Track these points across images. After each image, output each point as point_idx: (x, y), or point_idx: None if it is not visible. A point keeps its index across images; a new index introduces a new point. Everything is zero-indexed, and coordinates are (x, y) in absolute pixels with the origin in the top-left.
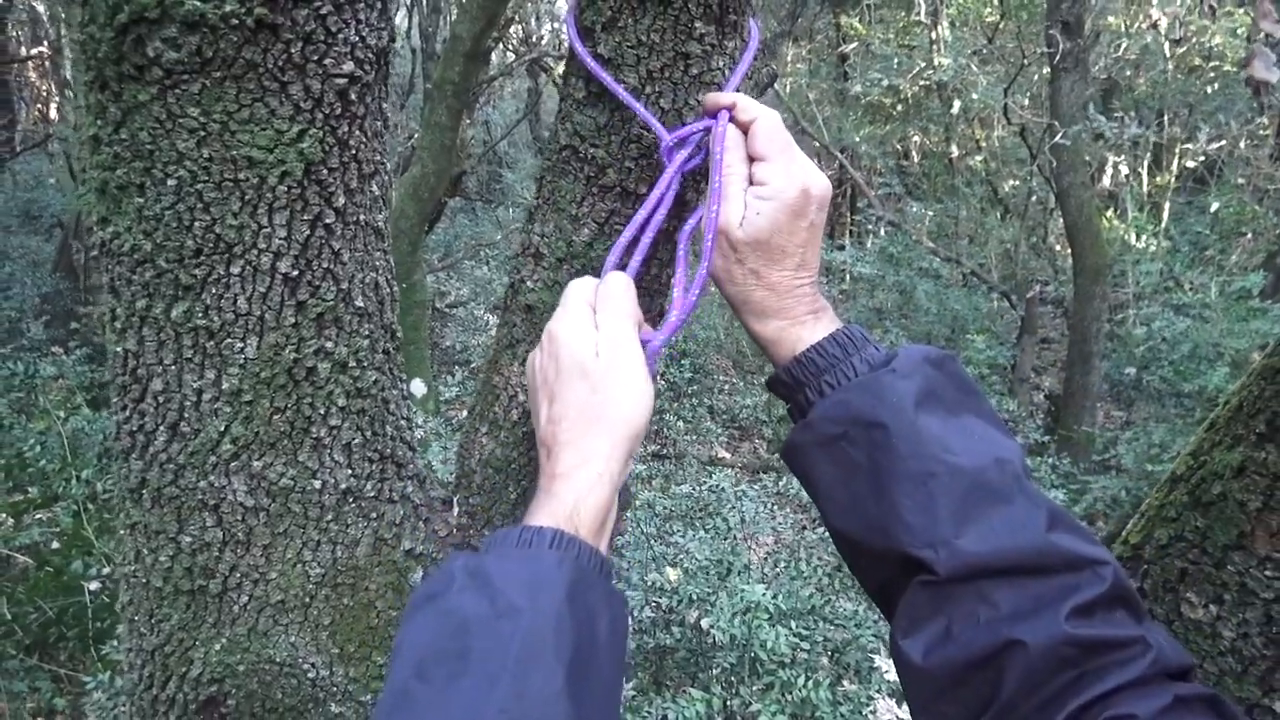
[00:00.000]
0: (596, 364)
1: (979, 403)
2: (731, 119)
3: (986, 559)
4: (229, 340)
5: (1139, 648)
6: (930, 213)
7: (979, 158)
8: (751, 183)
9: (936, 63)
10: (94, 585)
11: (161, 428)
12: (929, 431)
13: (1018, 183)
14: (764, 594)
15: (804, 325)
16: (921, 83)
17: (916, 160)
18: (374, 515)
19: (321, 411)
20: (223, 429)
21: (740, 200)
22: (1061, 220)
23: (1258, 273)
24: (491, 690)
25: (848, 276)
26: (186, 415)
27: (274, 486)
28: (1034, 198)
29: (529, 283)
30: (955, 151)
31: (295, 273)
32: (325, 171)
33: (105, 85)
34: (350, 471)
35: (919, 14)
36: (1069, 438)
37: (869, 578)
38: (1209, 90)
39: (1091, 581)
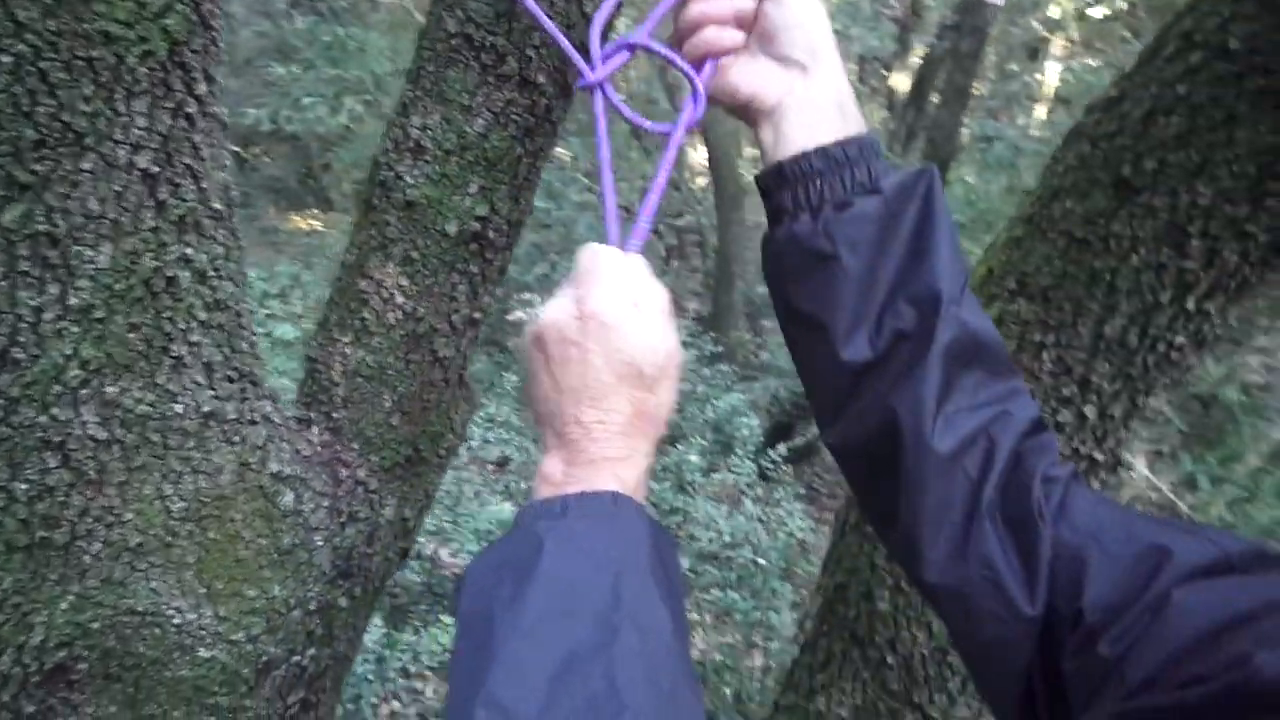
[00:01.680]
0: (652, 364)
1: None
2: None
3: (977, 333)
4: (77, 248)
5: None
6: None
7: (621, 97)
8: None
9: None
10: None
11: None
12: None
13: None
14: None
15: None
16: None
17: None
18: (237, 439)
19: (182, 327)
20: (69, 352)
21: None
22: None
23: None
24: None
25: None
26: (22, 339)
27: (130, 414)
28: None
29: (408, 178)
30: None
31: (155, 169)
32: (189, 53)
33: None
34: (212, 392)
35: None
36: (727, 348)
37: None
38: None
39: (1021, 386)
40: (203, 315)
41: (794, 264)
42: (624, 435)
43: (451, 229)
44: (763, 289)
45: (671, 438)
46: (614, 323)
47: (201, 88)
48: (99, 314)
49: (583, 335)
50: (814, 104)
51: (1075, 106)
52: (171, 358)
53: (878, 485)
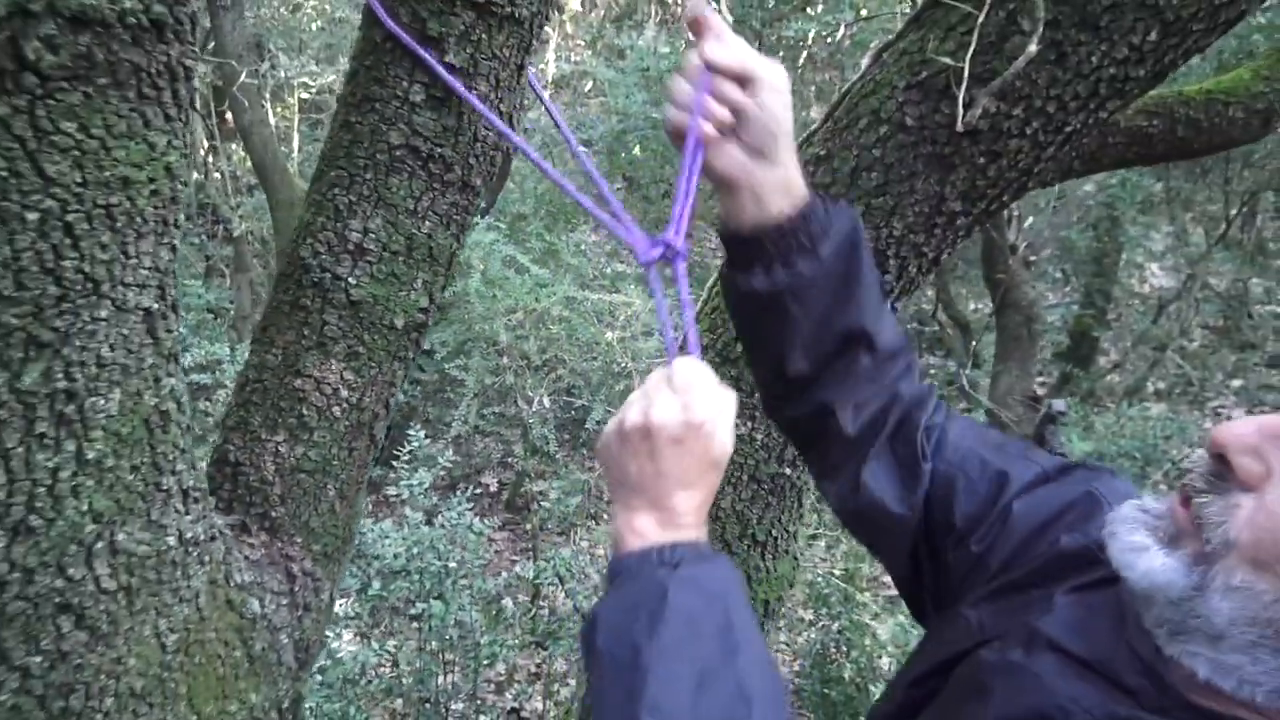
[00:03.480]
0: (684, 429)
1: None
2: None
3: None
4: (92, 399)
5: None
6: None
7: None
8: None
9: None
10: None
11: None
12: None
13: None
14: None
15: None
16: None
17: None
18: (206, 558)
19: (171, 459)
20: (85, 508)
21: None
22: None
23: None
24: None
25: None
26: (39, 505)
27: (133, 558)
28: (195, 134)
29: (350, 279)
30: None
31: (155, 305)
32: (179, 185)
33: None
34: (189, 517)
35: None
36: None
37: (800, 378)
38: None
39: (912, 357)
40: (182, 442)
41: (749, 303)
42: (701, 508)
43: (399, 322)
44: None
45: None
46: (712, 430)
47: (181, 216)
48: (109, 463)
49: (688, 437)
50: (767, 184)
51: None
52: (162, 492)
53: (808, 453)
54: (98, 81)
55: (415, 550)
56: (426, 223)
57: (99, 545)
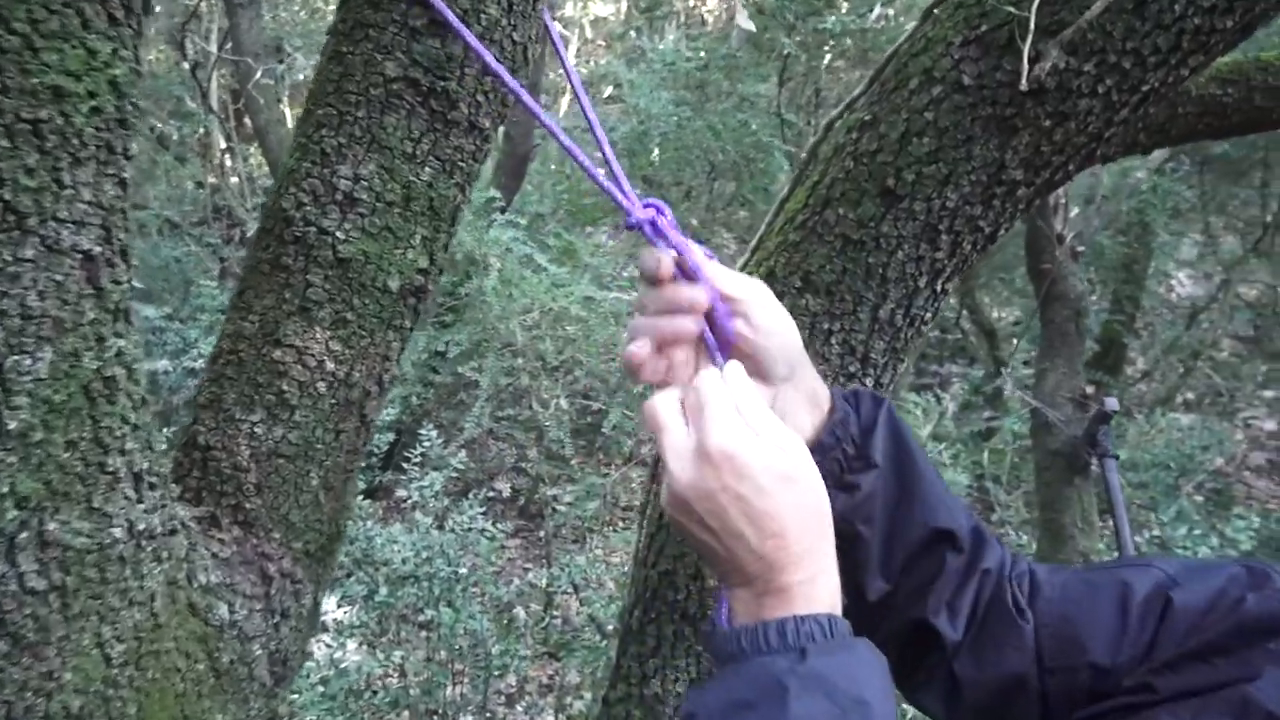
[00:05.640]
0: (792, 463)
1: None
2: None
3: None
4: (15, 358)
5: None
6: None
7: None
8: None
9: None
10: None
11: None
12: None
13: (181, 124)
14: None
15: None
16: None
17: None
18: (165, 554)
19: (118, 435)
20: (4, 490)
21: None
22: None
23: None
24: None
25: None
26: None
27: (69, 552)
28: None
29: (338, 233)
30: None
31: (97, 249)
32: (130, 106)
33: None
34: (142, 506)
35: None
36: None
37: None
38: None
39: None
40: (133, 417)
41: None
42: (804, 552)
43: (394, 284)
44: None
45: None
46: (739, 449)
47: (134, 146)
48: (37, 436)
49: (718, 478)
50: (794, 403)
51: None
52: (107, 474)
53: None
54: None
55: (425, 555)
56: (427, 169)
57: (23, 536)
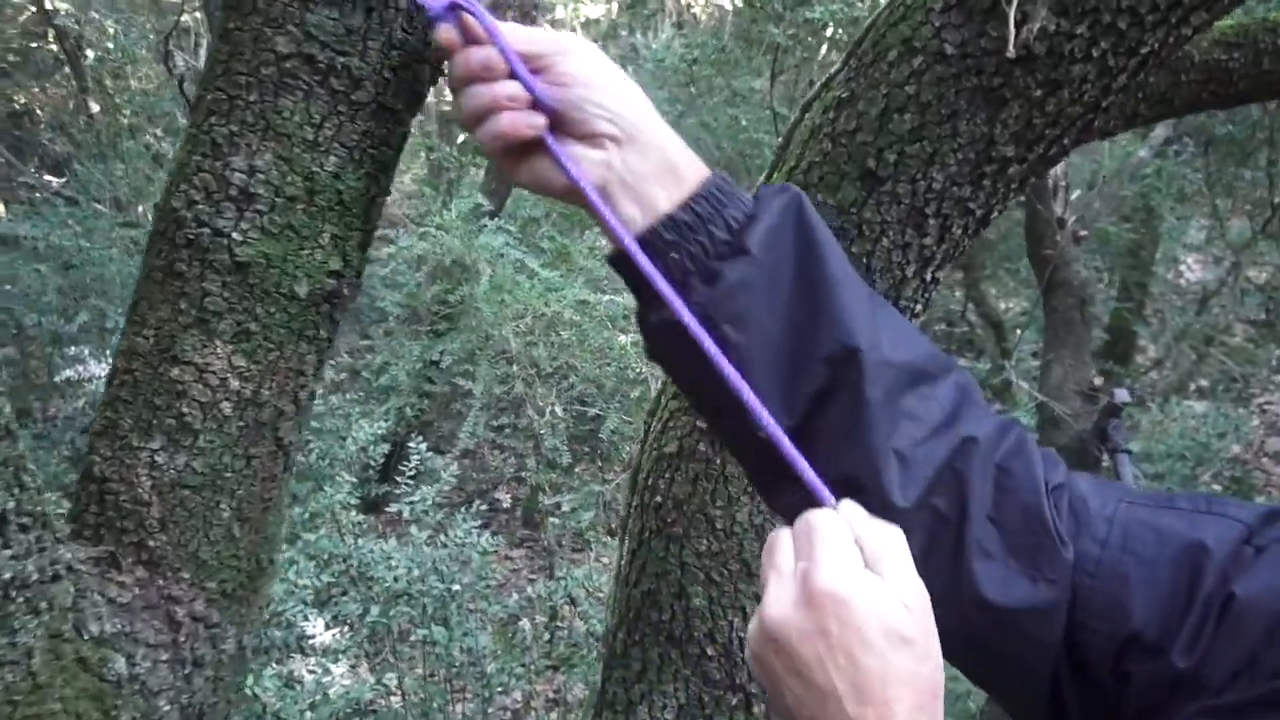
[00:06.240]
0: (912, 622)
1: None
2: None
3: (908, 363)
4: None
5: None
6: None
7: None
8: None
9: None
10: None
11: None
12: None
13: (175, 140)
14: None
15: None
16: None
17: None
18: (43, 605)
19: None
20: None
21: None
22: None
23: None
24: None
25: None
26: None
27: None
28: None
29: (234, 234)
30: (95, 108)
31: None
32: None
33: None
34: (9, 552)
35: None
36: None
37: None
38: None
39: (966, 377)
40: None
41: (676, 348)
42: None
43: (302, 290)
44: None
45: (317, 483)
46: (852, 593)
47: None
48: None
49: (819, 620)
50: (640, 175)
51: None
52: None
53: None
54: None
55: (417, 572)
56: (331, 158)
57: None
